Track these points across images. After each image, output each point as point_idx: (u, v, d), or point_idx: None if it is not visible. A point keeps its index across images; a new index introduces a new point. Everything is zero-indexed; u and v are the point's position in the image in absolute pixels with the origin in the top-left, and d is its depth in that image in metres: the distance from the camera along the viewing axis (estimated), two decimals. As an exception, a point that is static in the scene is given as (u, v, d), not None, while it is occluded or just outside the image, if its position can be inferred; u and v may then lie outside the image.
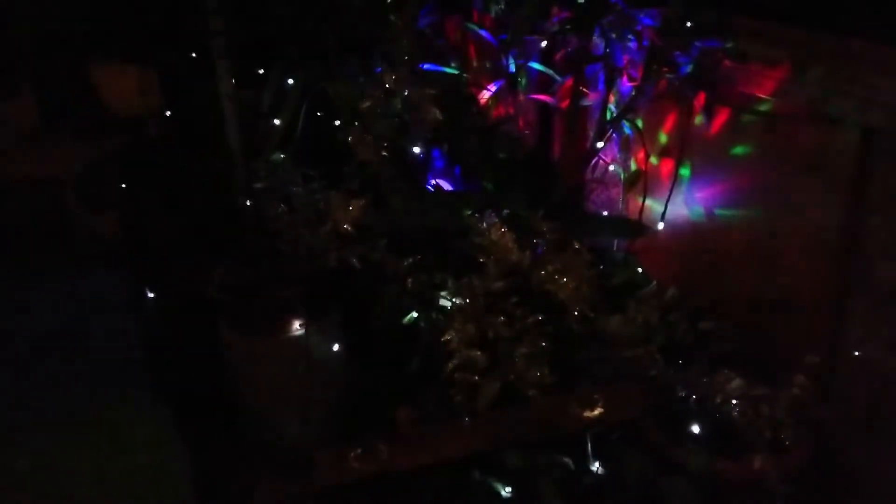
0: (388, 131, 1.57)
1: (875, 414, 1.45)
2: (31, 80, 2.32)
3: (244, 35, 1.79)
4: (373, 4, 1.72)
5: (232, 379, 1.68)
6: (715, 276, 1.79)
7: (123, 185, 2.21)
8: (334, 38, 1.75)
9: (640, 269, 1.84)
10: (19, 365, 2.05)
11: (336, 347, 1.64)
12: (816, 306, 1.53)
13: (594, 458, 1.51)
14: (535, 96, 1.96)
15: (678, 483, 1.44)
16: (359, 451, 1.46)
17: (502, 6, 1.81)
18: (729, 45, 1.57)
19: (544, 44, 1.86)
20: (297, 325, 1.60)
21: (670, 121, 1.86)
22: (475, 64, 2.14)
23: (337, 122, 1.69)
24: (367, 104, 1.55)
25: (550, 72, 1.87)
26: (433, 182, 1.82)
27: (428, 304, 1.51)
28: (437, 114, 1.54)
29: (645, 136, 1.85)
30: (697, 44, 1.60)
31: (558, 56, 1.88)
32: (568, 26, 1.75)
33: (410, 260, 1.52)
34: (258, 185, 1.62)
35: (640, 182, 1.89)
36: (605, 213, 2.05)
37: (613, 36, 1.65)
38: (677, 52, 1.61)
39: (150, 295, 2.02)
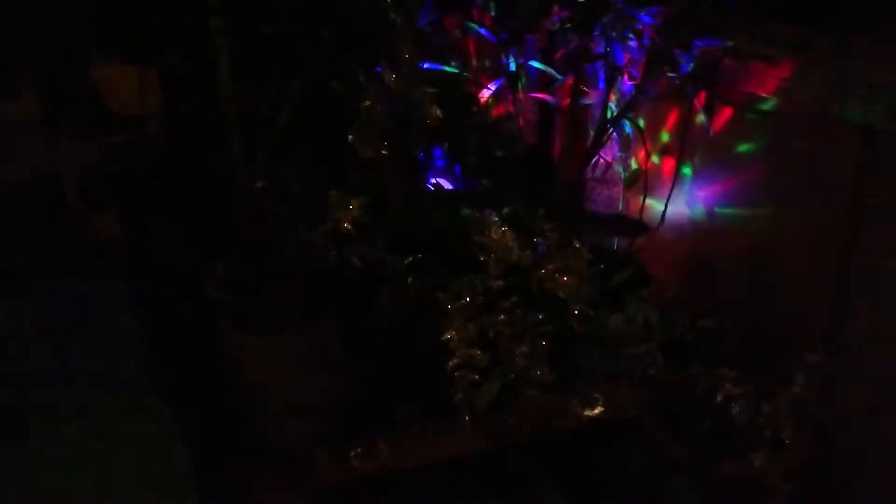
0: (389, 130, 1.57)
1: (875, 413, 1.45)
2: (32, 79, 2.32)
3: (244, 34, 1.79)
4: (373, 3, 1.72)
5: (232, 377, 1.68)
6: (715, 274, 1.79)
7: (124, 184, 2.21)
8: (335, 37, 1.75)
9: (640, 268, 1.84)
10: (19, 364, 2.05)
11: (336, 346, 1.64)
12: (817, 305, 1.53)
13: (594, 457, 1.51)
14: (536, 95, 1.96)
15: (678, 482, 1.44)
16: (359, 449, 1.46)
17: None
18: (729, 43, 1.57)
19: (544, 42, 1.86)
20: (296, 323, 1.60)
21: (671, 119, 1.86)
22: (475, 62, 2.14)
23: (337, 122, 1.69)
24: (367, 103, 1.55)
25: (551, 70, 1.87)
26: (433, 181, 1.82)
27: (428, 303, 1.50)
28: (438, 113, 1.54)
29: (646, 135, 1.85)
30: (698, 42, 1.60)
31: (558, 55, 1.88)
32: (568, 25, 1.75)
33: (411, 259, 1.52)
34: (258, 184, 1.62)
35: (641, 181, 1.89)
36: (606, 211, 2.05)
37: (614, 35, 1.65)
38: (678, 51, 1.61)
39: (150, 293, 2.02)
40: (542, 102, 2.01)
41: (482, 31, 1.86)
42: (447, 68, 1.84)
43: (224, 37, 1.78)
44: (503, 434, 1.50)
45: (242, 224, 1.80)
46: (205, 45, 1.81)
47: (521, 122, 2.01)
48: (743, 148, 1.65)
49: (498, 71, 1.89)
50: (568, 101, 1.97)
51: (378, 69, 1.57)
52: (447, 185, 1.81)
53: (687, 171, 1.82)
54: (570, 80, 1.89)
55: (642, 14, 1.62)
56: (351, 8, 1.71)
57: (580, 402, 1.53)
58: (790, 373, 1.41)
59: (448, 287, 1.45)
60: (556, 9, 1.81)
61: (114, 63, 2.28)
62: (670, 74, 1.65)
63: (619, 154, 1.96)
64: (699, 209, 1.81)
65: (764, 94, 1.54)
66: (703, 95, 1.66)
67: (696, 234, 1.83)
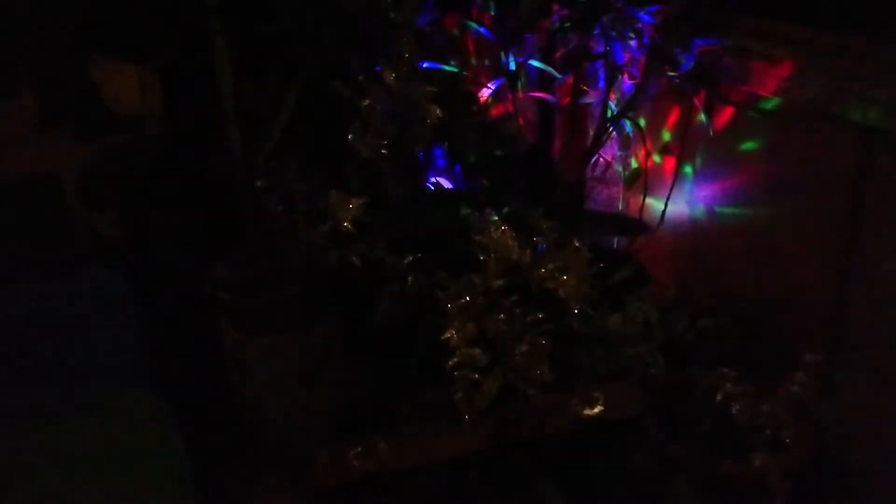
0: (388, 130, 1.57)
1: (875, 413, 1.45)
2: (31, 78, 2.32)
3: (244, 34, 1.79)
4: (373, 3, 1.72)
5: (231, 377, 1.68)
6: (715, 274, 1.79)
7: (123, 184, 2.20)
8: (334, 37, 1.75)
9: (640, 268, 1.84)
10: (18, 363, 2.05)
11: (336, 346, 1.64)
12: (817, 304, 1.53)
13: (594, 457, 1.51)
14: (535, 94, 1.96)
15: (678, 481, 1.44)
16: (359, 449, 1.46)
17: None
18: (729, 42, 1.57)
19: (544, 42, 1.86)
20: (296, 323, 1.60)
21: (672, 119, 1.86)
22: (474, 61, 2.14)
23: (337, 121, 1.69)
24: (367, 102, 1.55)
25: (550, 69, 1.87)
26: (433, 180, 1.82)
27: (428, 303, 1.50)
28: (438, 112, 1.54)
29: (647, 134, 1.85)
30: (698, 41, 1.60)
31: (558, 54, 1.88)
32: (567, 24, 1.75)
33: (410, 258, 1.52)
34: (258, 184, 1.62)
35: (641, 180, 1.90)
36: (606, 211, 2.05)
37: (613, 34, 1.65)
38: (678, 50, 1.61)
39: (150, 293, 2.02)
40: (542, 101, 2.01)
41: (482, 30, 1.86)
42: (447, 67, 1.84)
43: (224, 37, 1.78)
44: (503, 433, 1.50)
45: (242, 224, 1.80)
46: (205, 45, 1.81)
47: (520, 121, 2.01)
48: (743, 147, 1.65)
49: (497, 70, 1.89)
50: (568, 100, 1.97)
51: (378, 69, 1.57)
52: (447, 185, 1.82)
53: (687, 170, 1.82)
54: (569, 80, 1.89)
55: (642, 13, 1.62)
56: (351, 7, 1.71)
57: (580, 402, 1.54)
58: (790, 372, 1.41)
59: (448, 286, 1.45)
60: (555, 8, 1.81)
61: (113, 63, 2.28)
62: (670, 74, 1.65)
63: (618, 153, 1.96)
64: (699, 208, 1.81)
65: (764, 94, 1.54)
66: (703, 95, 1.66)
67: (696, 234, 1.83)
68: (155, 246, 2.10)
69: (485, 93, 1.86)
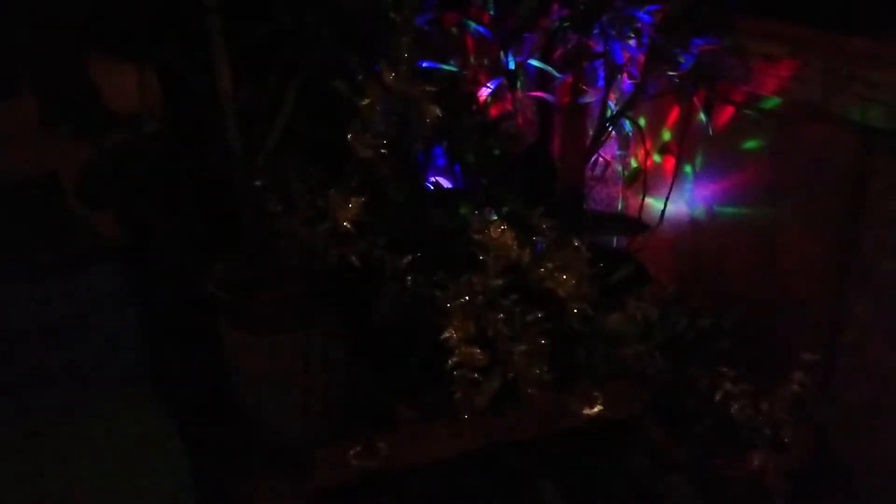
0: (388, 129, 1.57)
1: (875, 412, 1.45)
2: (30, 78, 2.32)
3: (243, 33, 1.79)
4: (373, 2, 1.72)
5: (231, 377, 1.68)
6: (714, 273, 1.79)
7: (122, 184, 2.20)
8: (334, 36, 1.75)
9: (639, 267, 1.84)
10: (18, 363, 2.05)
11: (336, 345, 1.64)
12: (816, 304, 1.53)
13: (594, 456, 1.51)
14: (535, 94, 1.96)
15: (677, 481, 1.44)
16: (358, 448, 1.46)
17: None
18: (728, 42, 1.57)
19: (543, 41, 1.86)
20: (296, 322, 1.60)
21: (672, 118, 1.86)
22: (473, 61, 2.14)
23: (336, 121, 1.68)
24: (366, 102, 1.55)
25: (550, 69, 1.87)
26: (433, 180, 1.82)
27: (427, 302, 1.50)
28: (437, 111, 1.54)
29: (647, 134, 1.85)
30: (697, 41, 1.60)
31: (557, 53, 1.88)
32: (567, 23, 1.75)
33: (410, 258, 1.52)
34: (257, 183, 1.62)
35: (640, 179, 1.89)
36: (605, 210, 2.05)
37: (613, 33, 1.65)
38: (677, 50, 1.61)
39: (150, 293, 2.02)
40: (542, 101, 2.01)
41: (481, 29, 1.86)
42: (446, 67, 1.84)
43: (223, 36, 1.78)
44: (502, 433, 1.50)
45: (242, 224, 1.80)
46: (204, 45, 1.81)
47: (519, 120, 2.01)
48: (743, 147, 1.65)
49: (497, 69, 1.89)
50: (567, 99, 1.97)
51: (377, 68, 1.57)
52: (446, 184, 1.82)
53: (687, 169, 1.82)
54: (569, 79, 1.89)
55: (641, 13, 1.62)
56: (351, 7, 1.71)
57: (579, 402, 1.54)
58: (789, 372, 1.41)
59: (447, 286, 1.45)
60: (555, 7, 1.81)
61: (113, 62, 2.28)
62: (670, 73, 1.65)
63: (618, 153, 1.96)
64: (699, 208, 1.81)
65: (764, 94, 1.54)
66: (702, 94, 1.66)
67: (696, 233, 1.83)
68: (155, 246, 2.10)
69: (484, 92, 1.86)
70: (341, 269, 1.50)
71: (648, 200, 1.90)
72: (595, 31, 1.71)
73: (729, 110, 1.67)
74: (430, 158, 1.78)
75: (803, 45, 1.46)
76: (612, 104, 1.81)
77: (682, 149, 1.81)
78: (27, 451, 1.77)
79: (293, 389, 1.61)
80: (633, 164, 1.95)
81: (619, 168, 1.97)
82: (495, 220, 1.51)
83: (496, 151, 1.79)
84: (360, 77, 1.63)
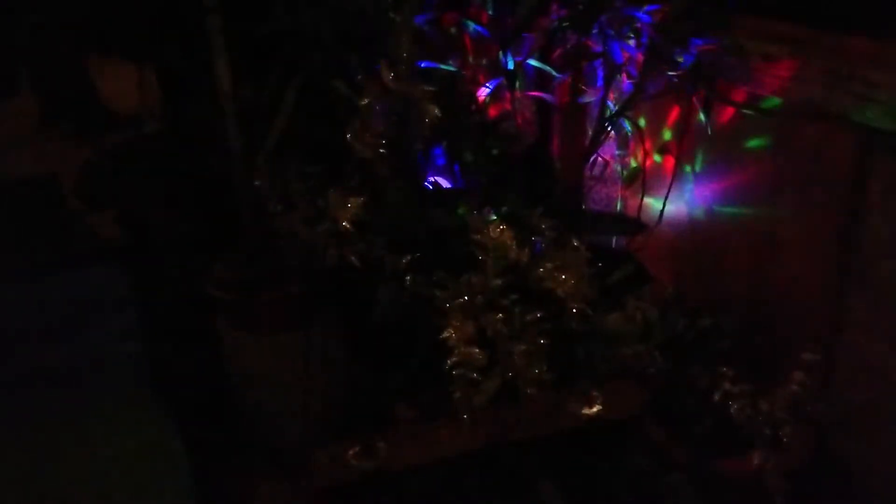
0: (387, 129, 1.57)
1: (874, 412, 1.45)
2: (30, 78, 2.32)
3: (243, 33, 1.79)
4: (373, 2, 1.72)
5: (231, 377, 1.68)
6: (714, 273, 1.79)
7: (122, 184, 2.20)
8: (334, 36, 1.75)
9: (639, 267, 1.84)
10: (17, 363, 2.05)
11: (335, 345, 1.64)
12: (815, 304, 1.53)
13: (593, 456, 1.51)
14: (534, 93, 1.96)
15: (677, 480, 1.44)
16: (358, 448, 1.46)
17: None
18: (728, 42, 1.57)
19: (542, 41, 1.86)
20: (296, 322, 1.60)
21: (671, 118, 1.86)
22: (472, 61, 2.14)
23: (336, 120, 1.69)
24: (365, 102, 1.55)
25: (549, 69, 1.87)
26: (432, 179, 1.82)
27: (427, 302, 1.50)
28: (436, 111, 1.54)
29: (647, 134, 1.85)
30: (696, 41, 1.60)
31: (556, 53, 1.88)
32: (566, 23, 1.75)
33: (409, 257, 1.52)
34: (257, 183, 1.62)
35: (639, 179, 1.89)
36: (604, 210, 2.05)
37: (612, 33, 1.65)
38: (676, 50, 1.61)
39: (149, 293, 2.02)
40: (541, 101, 2.01)
41: (479, 29, 1.86)
42: (445, 67, 1.84)
43: (222, 36, 1.78)
44: (502, 433, 1.50)
45: (242, 224, 1.80)
46: (203, 44, 1.81)
47: (519, 120, 2.01)
48: (742, 147, 1.65)
49: (495, 69, 1.89)
50: (566, 99, 1.97)
51: (376, 68, 1.57)
52: (446, 184, 1.82)
53: (686, 169, 1.82)
54: (568, 79, 1.89)
55: (640, 12, 1.62)
56: (351, 7, 1.71)
57: (579, 401, 1.54)
58: (789, 372, 1.41)
59: (447, 286, 1.45)
60: (554, 7, 1.81)
61: (112, 62, 2.28)
62: (669, 73, 1.65)
63: (617, 152, 1.96)
64: (698, 208, 1.81)
65: (764, 94, 1.54)
66: (702, 94, 1.66)
67: (696, 233, 1.83)
68: (155, 246, 2.10)
69: (483, 92, 1.86)
70: (341, 269, 1.50)
71: (647, 200, 1.90)
72: (594, 31, 1.71)
73: (729, 110, 1.67)
74: (429, 158, 1.78)
75: (803, 45, 1.46)
76: (611, 104, 1.81)
77: (681, 149, 1.81)
78: (27, 451, 1.77)
79: (293, 389, 1.60)
80: (633, 163, 1.95)
81: (619, 168, 1.97)
82: (494, 220, 1.51)
83: (495, 151, 1.79)
84: (359, 77, 1.63)
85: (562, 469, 1.54)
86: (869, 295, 1.42)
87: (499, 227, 1.48)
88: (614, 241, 1.97)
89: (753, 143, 1.63)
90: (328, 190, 1.52)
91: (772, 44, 1.51)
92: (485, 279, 1.45)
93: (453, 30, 1.97)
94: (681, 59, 1.61)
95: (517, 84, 1.88)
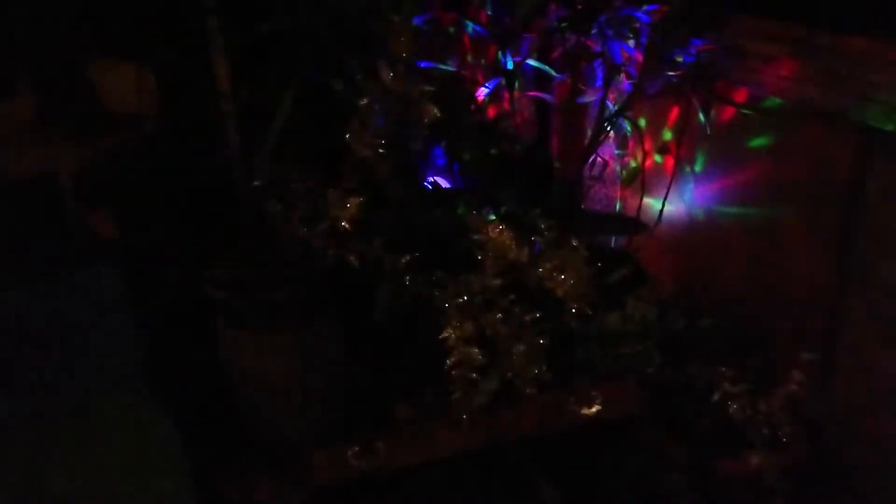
0: (386, 129, 1.57)
1: (873, 411, 1.45)
2: (29, 78, 2.32)
3: (242, 33, 1.79)
4: (373, 2, 1.72)
5: (229, 377, 1.68)
6: (713, 273, 1.79)
7: (120, 184, 2.20)
8: (333, 36, 1.75)
9: (638, 267, 1.84)
10: (16, 363, 2.05)
11: (334, 345, 1.64)
12: (814, 303, 1.53)
13: (592, 456, 1.51)
14: (533, 93, 1.96)
15: (676, 480, 1.44)
16: (357, 448, 1.46)
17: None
18: (727, 42, 1.57)
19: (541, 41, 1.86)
20: (295, 322, 1.60)
21: (670, 118, 1.86)
22: (471, 60, 2.14)
23: (335, 120, 1.69)
24: (364, 102, 1.55)
25: (548, 69, 1.87)
26: (431, 179, 1.82)
27: (426, 302, 1.51)
28: (436, 111, 1.54)
29: (646, 134, 1.85)
30: (696, 41, 1.60)
31: (555, 53, 1.88)
32: (565, 23, 1.75)
33: (408, 257, 1.52)
34: (256, 183, 1.62)
35: (639, 179, 1.90)
36: (603, 210, 2.05)
37: (611, 33, 1.65)
38: (676, 50, 1.61)
39: (148, 293, 2.01)
40: (540, 101, 2.01)
41: (478, 28, 1.86)
42: (444, 66, 1.84)
43: (221, 36, 1.78)
44: (501, 432, 1.50)
45: (241, 224, 1.80)
46: (202, 44, 1.81)
47: (518, 120, 2.01)
48: (742, 147, 1.65)
49: (494, 69, 1.89)
50: (566, 99, 1.97)
51: (376, 68, 1.57)
52: (445, 184, 1.82)
53: (685, 169, 1.82)
54: (567, 79, 1.89)
55: (640, 13, 1.62)
56: (350, 8, 1.71)
57: (578, 401, 1.54)
58: (787, 371, 1.41)
59: (446, 286, 1.45)
60: (553, 7, 1.81)
61: (111, 62, 2.28)
62: (669, 73, 1.65)
63: (616, 152, 1.96)
64: (697, 208, 1.81)
65: (763, 94, 1.54)
66: (701, 94, 1.66)
67: (695, 233, 1.83)
68: (153, 246, 2.10)
69: (482, 92, 1.86)
70: (340, 269, 1.50)
71: (647, 200, 1.90)
72: (593, 31, 1.71)
73: (728, 110, 1.67)
74: (428, 158, 1.78)
75: (802, 46, 1.46)
76: (610, 104, 1.81)
77: (680, 149, 1.81)
78: (27, 451, 1.77)
79: (292, 389, 1.61)
80: (632, 163, 1.95)
81: (618, 168, 1.97)
82: (494, 220, 1.51)
83: (494, 151, 1.79)
84: (358, 77, 1.63)
85: (561, 469, 1.54)
86: (867, 294, 1.42)
87: (498, 227, 1.48)
88: (613, 241, 1.97)
89: (753, 143, 1.63)
90: (327, 190, 1.52)
91: (771, 44, 1.51)
92: (484, 279, 1.45)
93: (452, 30, 1.97)
94: (680, 59, 1.61)
95: (516, 84, 1.88)
